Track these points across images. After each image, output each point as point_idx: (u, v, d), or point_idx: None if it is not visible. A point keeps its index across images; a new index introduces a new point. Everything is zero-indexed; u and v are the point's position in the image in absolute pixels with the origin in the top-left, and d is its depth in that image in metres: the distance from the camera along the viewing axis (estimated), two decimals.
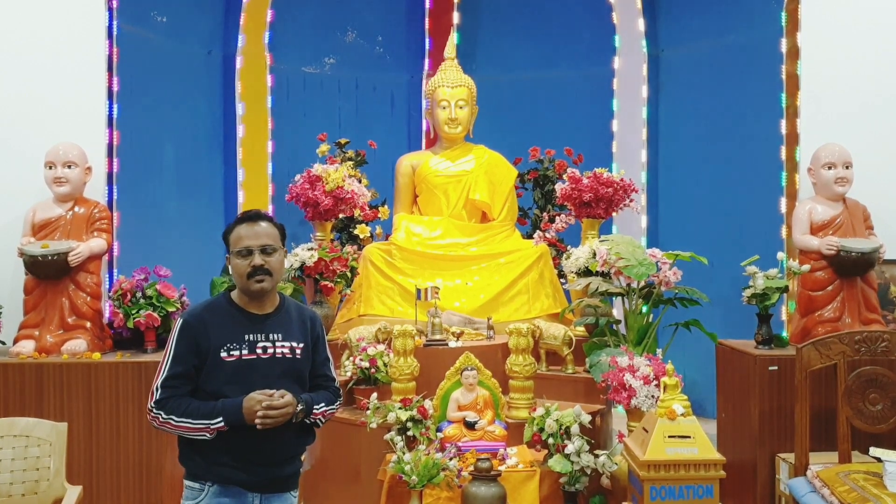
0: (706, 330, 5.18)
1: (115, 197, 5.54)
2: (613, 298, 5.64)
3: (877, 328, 4.62)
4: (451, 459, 4.31)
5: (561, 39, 7.99)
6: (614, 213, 6.26)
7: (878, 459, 3.79)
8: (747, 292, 4.98)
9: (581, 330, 5.76)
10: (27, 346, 4.74)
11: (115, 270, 5.58)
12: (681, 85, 7.54)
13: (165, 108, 6.66)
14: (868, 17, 5.31)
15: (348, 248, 6.07)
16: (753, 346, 4.96)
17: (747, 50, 6.82)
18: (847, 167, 4.96)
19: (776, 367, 4.68)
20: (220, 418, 2.72)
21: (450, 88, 6.73)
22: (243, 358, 2.81)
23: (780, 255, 5.05)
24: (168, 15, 6.71)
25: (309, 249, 5.76)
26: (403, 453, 4.34)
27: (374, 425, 4.60)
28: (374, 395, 4.74)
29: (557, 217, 6.78)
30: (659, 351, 5.05)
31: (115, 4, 5.56)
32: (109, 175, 5.47)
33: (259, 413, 2.70)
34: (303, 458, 3.08)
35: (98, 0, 5.41)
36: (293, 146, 7.57)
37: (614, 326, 5.48)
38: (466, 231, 6.63)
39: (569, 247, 6.25)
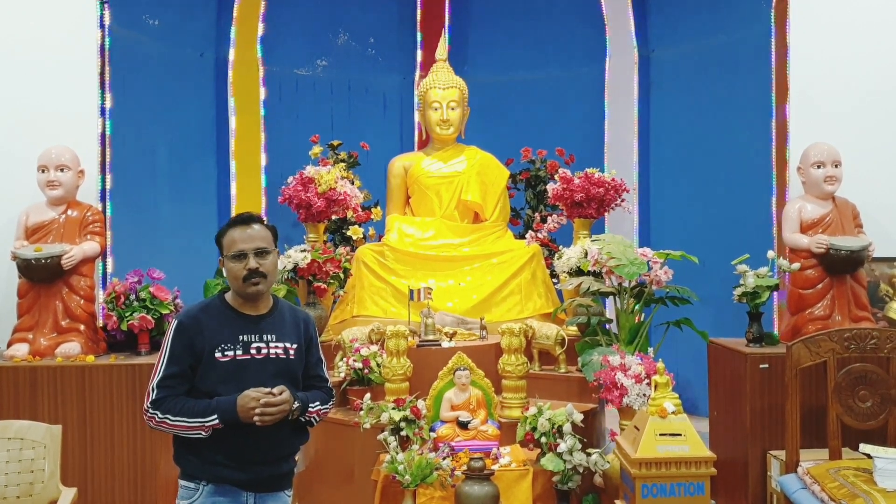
0: (697, 328, 5.21)
1: (108, 200, 5.55)
2: (605, 298, 5.67)
3: (866, 325, 4.66)
4: (444, 459, 4.33)
5: (552, 40, 8.03)
6: (606, 213, 6.28)
7: (868, 456, 3.81)
8: (738, 291, 5.01)
9: (573, 329, 5.79)
10: (21, 350, 4.75)
11: (108, 273, 5.59)
12: (671, 85, 7.58)
13: (158, 110, 6.68)
14: (857, 16, 5.34)
15: (341, 250, 6.09)
16: (744, 344, 4.98)
17: (737, 50, 6.86)
18: (836, 166, 4.99)
19: (767, 365, 4.71)
20: (215, 416, 2.74)
21: (441, 90, 6.75)
22: (237, 358, 2.83)
23: (771, 254, 5.07)
24: (160, 18, 6.73)
25: (302, 251, 5.78)
26: (397, 453, 4.36)
27: (367, 426, 4.62)
28: (368, 395, 4.76)
29: (549, 217, 6.82)
30: (650, 350, 5.08)
31: (107, 7, 5.57)
32: (102, 178, 5.48)
33: (257, 410, 2.72)
34: (297, 458, 3.10)
35: (91, 2, 5.43)
36: (286, 148, 7.59)
37: (606, 326, 5.51)
38: (459, 232, 6.64)
39: (561, 247, 6.28)
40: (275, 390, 2.77)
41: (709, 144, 7.17)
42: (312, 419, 2.97)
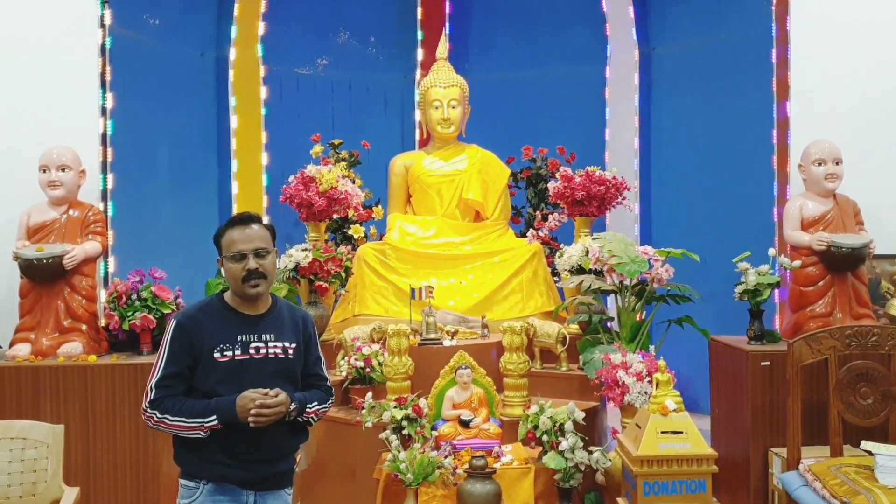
0: (699, 326, 5.22)
1: (109, 200, 5.55)
2: (606, 296, 5.67)
3: (867, 323, 4.66)
4: (446, 457, 4.34)
5: (552, 38, 8.03)
6: (607, 211, 6.28)
7: (870, 453, 3.81)
8: (739, 288, 5.01)
9: (575, 327, 5.79)
10: (23, 350, 4.75)
11: (109, 273, 5.60)
12: (673, 82, 7.57)
13: (159, 110, 6.68)
14: (858, 14, 5.34)
15: (342, 249, 6.09)
16: (746, 341, 4.98)
17: (738, 47, 6.85)
18: (837, 163, 4.99)
19: (768, 363, 4.71)
20: (214, 416, 2.75)
21: (442, 88, 6.76)
22: (236, 358, 2.84)
23: (772, 252, 5.07)
24: (161, 17, 6.73)
25: (303, 250, 5.78)
26: (399, 452, 4.37)
27: (369, 424, 4.63)
28: (370, 394, 4.77)
29: (550, 215, 6.83)
30: (652, 347, 5.09)
31: (108, 7, 5.57)
32: (103, 178, 5.48)
33: (252, 411, 2.73)
34: (298, 457, 3.10)
35: (91, 2, 5.43)
36: (287, 147, 7.59)
37: (608, 324, 5.51)
38: (460, 230, 6.65)
39: (562, 245, 6.28)
40: (270, 392, 2.78)
41: (710, 142, 7.16)
42: (311, 419, 2.97)
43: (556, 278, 6.34)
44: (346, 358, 5.22)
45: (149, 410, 2.79)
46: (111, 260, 5.64)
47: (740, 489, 4.86)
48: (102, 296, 5.27)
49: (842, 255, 4.83)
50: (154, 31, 6.68)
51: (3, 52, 5.20)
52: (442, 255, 6.42)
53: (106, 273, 5.55)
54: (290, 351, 2.94)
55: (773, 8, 5.91)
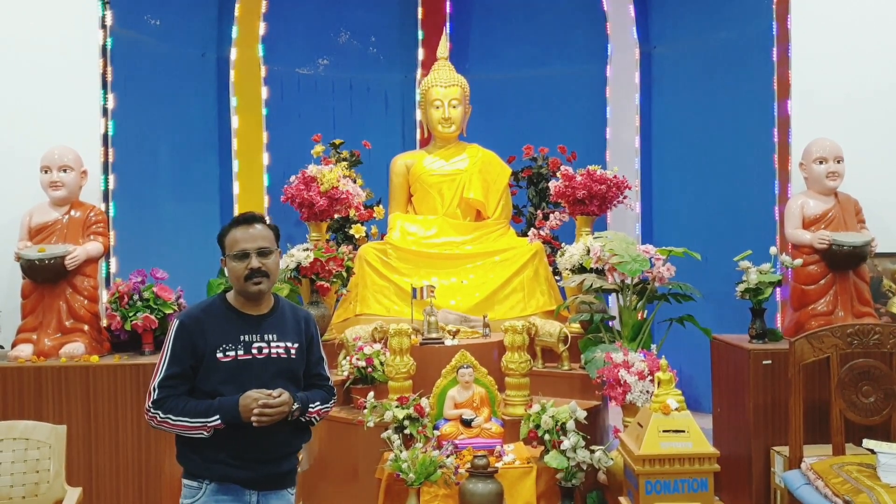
0: (700, 325, 5.21)
1: (110, 200, 5.56)
2: (608, 295, 5.67)
3: (869, 321, 4.66)
4: (448, 457, 4.34)
5: (553, 38, 8.03)
6: (608, 210, 6.27)
7: (872, 451, 3.82)
8: (740, 287, 5.01)
9: (576, 326, 5.79)
10: (25, 350, 4.76)
11: (111, 273, 5.60)
12: (673, 81, 7.58)
13: (160, 110, 6.69)
14: (859, 12, 5.33)
15: (344, 248, 6.09)
16: (747, 340, 4.98)
17: (739, 46, 6.85)
18: (838, 161, 4.99)
19: (770, 362, 4.71)
20: (217, 416, 2.75)
21: (443, 88, 6.75)
22: (239, 358, 2.84)
23: (773, 250, 5.07)
24: (162, 18, 6.74)
25: (305, 250, 5.78)
26: (401, 451, 4.37)
27: (371, 424, 4.63)
28: (371, 393, 4.77)
29: (551, 214, 6.82)
30: (653, 346, 5.08)
31: (109, 8, 5.58)
32: (105, 178, 5.49)
33: (255, 411, 2.73)
34: (300, 456, 3.10)
35: (92, 3, 5.43)
36: (288, 147, 7.60)
37: (609, 323, 5.51)
38: (461, 230, 6.65)
39: (563, 244, 6.27)
40: (273, 392, 2.78)
41: (711, 141, 7.16)
42: (313, 419, 2.97)
43: (557, 277, 6.34)
44: (348, 357, 5.22)
45: (152, 410, 2.80)
46: (113, 260, 5.65)
47: (742, 488, 4.86)
48: (104, 296, 5.27)
49: (843, 253, 4.82)
50: (155, 31, 6.68)
51: (4, 53, 5.20)
52: (443, 255, 6.42)
53: (108, 273, 5.56)
54: (293, 351, 2.94)
55: (774, 6, 5.92)
